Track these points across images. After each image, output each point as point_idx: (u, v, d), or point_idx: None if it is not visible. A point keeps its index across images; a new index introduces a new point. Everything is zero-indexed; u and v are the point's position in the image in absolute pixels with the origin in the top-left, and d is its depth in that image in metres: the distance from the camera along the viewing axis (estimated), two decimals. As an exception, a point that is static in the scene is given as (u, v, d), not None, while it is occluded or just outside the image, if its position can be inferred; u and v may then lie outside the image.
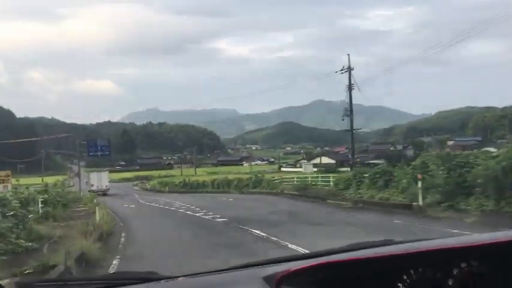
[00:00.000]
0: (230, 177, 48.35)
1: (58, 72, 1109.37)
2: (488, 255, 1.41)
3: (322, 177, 32.76)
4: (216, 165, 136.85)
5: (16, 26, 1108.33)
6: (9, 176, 30.22)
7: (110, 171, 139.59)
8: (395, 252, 1.39)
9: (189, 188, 50.54)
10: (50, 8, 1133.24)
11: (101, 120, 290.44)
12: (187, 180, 54.27)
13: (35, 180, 76.32)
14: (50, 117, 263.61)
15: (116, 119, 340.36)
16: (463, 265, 1.39)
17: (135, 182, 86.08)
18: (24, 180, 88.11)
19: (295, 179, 33.82)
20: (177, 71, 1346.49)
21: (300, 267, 1.27)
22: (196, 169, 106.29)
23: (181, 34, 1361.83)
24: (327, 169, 72.71)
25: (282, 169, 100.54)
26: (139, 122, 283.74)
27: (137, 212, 25.10)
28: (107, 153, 54.98)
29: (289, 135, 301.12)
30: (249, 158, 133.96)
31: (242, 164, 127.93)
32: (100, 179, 55.11)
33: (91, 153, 52.75)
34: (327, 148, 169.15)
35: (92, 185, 54.18)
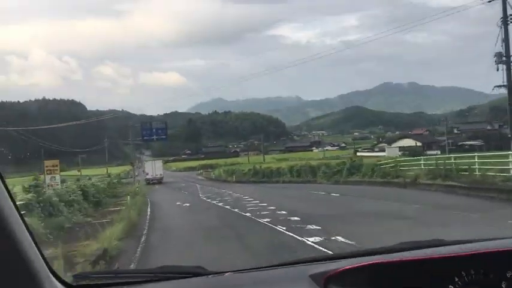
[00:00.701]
0: (313, 162, 38.67)
1: (126, 66, 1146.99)
2: None
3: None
4: (283, 151, 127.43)
5: (85, 24, 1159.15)
6: (57, 166, 27.45)
7: (176, 161, 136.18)
8: (447, 255, 1.33)
9: (261, 176, 41.25)
10: (115, 5, 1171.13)
11: (168, 111, 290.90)
12: (257, 167, 44.89)
13: (100, 171, 71.81)
14: (120, 109, 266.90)
15: (182, 110, 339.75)
16: None
17: (199, 171, 78.69)
18: (89, 171, 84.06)
19: (421, 163, 22.51)
20: (239, 60, 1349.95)
21: (348, 267, 1.24)
22: (265, 156, 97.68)
23: (240, 23, 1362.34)
24: (412, 153, 61.93)
25: (358, 154, 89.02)
26: (205, 112, 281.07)
27: (189, 221, 15.25)
28: (163, 136, 46.87)
29: (356, 120, 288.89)
30: (319, 144, 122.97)
31: (311, 150, 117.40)
32: (154, 168, 54.16)
33: (146, 137, 45.03)
34: (397, 132, 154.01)
35: (147, 174, 54.45)
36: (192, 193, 28.81)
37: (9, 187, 1.01)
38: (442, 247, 1.45)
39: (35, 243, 1.09)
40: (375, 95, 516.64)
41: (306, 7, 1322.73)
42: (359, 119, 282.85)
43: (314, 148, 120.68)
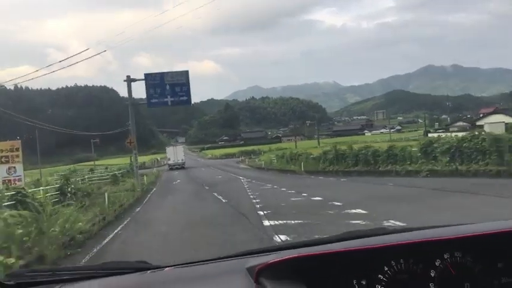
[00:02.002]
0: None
1: (160, 56, 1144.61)
2: (471, 246, 1.36)
3: None
4: (331, 136, 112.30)
5: (121, 16, 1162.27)
6: (17, 150, 19.00)
7: (212, 148, 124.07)
8: (372, 246, 1.33)
9: (351, 164, 24.85)
10: None
11: (204, 99, 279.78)
12: (331, 151, 27.47)
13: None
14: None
15: (219, 97, 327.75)
16: (445, 256, 1.35)
17: (240, 158, 65.32)
18: (117, 160, 73.25)
19: None
20: (274, 47, 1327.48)
21: (277, 259, 1.25)
22: (311, 141, 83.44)
23: (276, 8, 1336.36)
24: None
25: (430, 135, 72.86)
26: (241, 99, 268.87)
27: None
28: (185, 98, 27.57)
29: (399, 104, 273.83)
30: (371, 126, 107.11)
31: (363, 134, 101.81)
32: (176, 153, 53.13)
33: (154, 100, 27.62)
34: (444, 116, 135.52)
35: (169, 159, 53.61)
36: (238, 205, 13.64)
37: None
38: (380, 236, 1.45)
39: None
40: (416, 78, 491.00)
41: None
42: (402, 103, 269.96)
43: (366, 131, 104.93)
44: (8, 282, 1.43)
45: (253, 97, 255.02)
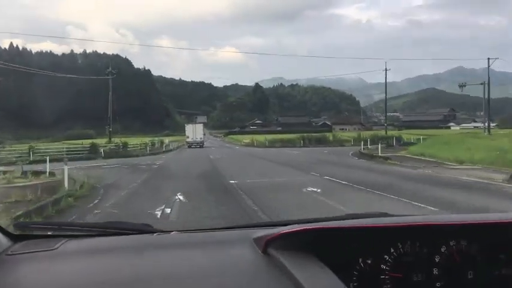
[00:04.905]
0: None
1: (182, 40, 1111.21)
2: (477, 235, 1.35)
3: None
4: (399, 127, 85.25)
5: None
6: None
7: (244, 133, 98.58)
8: (382, 224, 1.32)
9: None
10: None
11: (228, 84, 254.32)
12: None
13: (138, 140, 47.08)
14: (177, 78, 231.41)
15: (243, 83, 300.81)
16: (451, 243, 1.34)
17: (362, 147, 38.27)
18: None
19: None
20: (298, 39, 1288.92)
21: (288, 231, 1.23)
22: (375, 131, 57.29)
23: (301, 0, 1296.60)
24: None
25: None
26: (266, 87, 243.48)
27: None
28: None
29: (433, 102, 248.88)
30: (453, 118, 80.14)
31: (448, 127, 75.04)
32: (195, 132, 51.75)
33: None
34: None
35: (188, 137, 52.29)
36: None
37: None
38: (385, 218, 1.45)
39: None
40: (446, 79, 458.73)
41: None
42: (436, 102, 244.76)
43: (452, 124, 77.95)
44: (15, 233, 1.39)
45: (281, 84, 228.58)
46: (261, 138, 55.23)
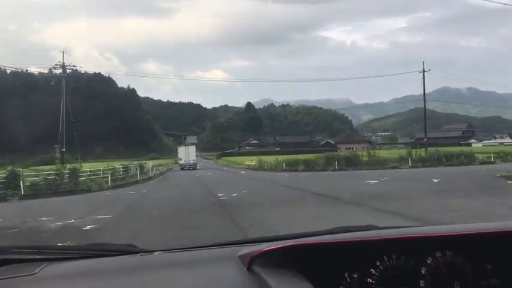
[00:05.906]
0: None
1: (168, 64, 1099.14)
2: (463, 246, 1.32)
3: None
4: (412, 145, 76.83)
5: (128, 22, 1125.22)
6: None
7: (240, 154, 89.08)
8: (366, 238, 1.30)
9: None
10: (157, 3, 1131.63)
11: (217, 105, 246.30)
12: None
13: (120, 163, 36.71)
14: (165, 100, 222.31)
15: (232, 104, 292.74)
16: (437, 254, 1.31)
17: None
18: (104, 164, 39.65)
19: None
20: (285, 62, 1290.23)
21: (272, 248, 1.20)
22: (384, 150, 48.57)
23: (287, 23, 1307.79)
24: None
25: None
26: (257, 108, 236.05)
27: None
28: None
29: (423, 122, 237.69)
30: (472, 134, 72.15)
31: (470, 144, 66.93)
32: (188, 154, 50.93)
33: None
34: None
35: (180, 159, 51.80)
36: None
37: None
38: (371, 231, 1.40)
39: None
40: (432, 99, 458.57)
41: (354, 8, 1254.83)
42: (428, 121, 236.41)
43: (474, 141, 69.86)
44: None
45: (272, 103, 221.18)
46: (270, 159, 45.50)
